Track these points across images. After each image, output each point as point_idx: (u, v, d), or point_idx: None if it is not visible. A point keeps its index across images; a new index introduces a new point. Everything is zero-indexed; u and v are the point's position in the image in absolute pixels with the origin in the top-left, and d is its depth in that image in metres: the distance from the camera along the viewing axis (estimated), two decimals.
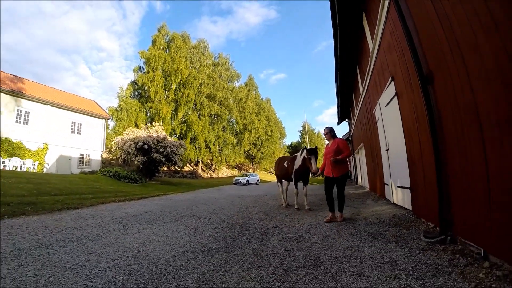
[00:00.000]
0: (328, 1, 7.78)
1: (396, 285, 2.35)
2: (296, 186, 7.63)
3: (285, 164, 8.14)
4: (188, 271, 2.93)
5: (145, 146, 20.34)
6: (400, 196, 6.24)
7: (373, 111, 8.59)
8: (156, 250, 3.69)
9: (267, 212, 7.05)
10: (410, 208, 5.48)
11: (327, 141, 5.92)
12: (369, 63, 8.21)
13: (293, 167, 7.42)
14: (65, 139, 24.81)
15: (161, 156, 21.02)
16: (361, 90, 11.04)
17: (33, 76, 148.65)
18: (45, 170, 22.07)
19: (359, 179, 17.72)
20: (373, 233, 4.20)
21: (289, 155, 66.76)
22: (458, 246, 3.20)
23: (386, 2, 5.41)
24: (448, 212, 3.57)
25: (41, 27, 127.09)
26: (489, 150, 2.63)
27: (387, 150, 7.10)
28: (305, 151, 6.75)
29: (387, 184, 7.47)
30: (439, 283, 2.31)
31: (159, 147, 21.06)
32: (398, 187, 6.24)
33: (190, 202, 9.56)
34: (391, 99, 6.03)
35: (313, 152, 6.42)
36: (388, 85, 6.18)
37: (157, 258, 3.35)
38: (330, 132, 5.76)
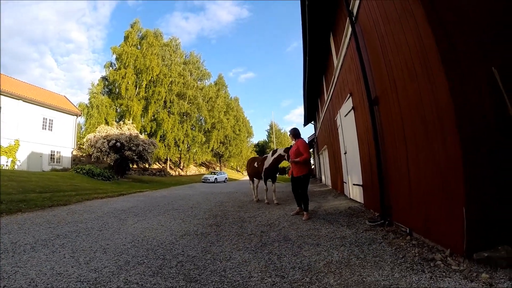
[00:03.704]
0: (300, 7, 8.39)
1: (342, 249, 3.42)
2: (265, 184, 8.57)
3: (256, 164, 9.09)
4: (191, 247, 3.78)
5: (118, 144, 20.41)
6: (355, 192, 7.41)
7: (335, 119, 9.78)
8: (158, 235, 4.45)
9: (241, 206, 7.96)
10: (362, 202, 6.63)
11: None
12: (333, 77, 9.36)
13: (264, 167, 8.38)
14: (36, 135, 24.01)
15: (134, 154, 21.17)
16: (325, 97, 12.23)
17: None
18: (16, 167, 21.37)
19: (323, 178, 19.04)
20: (330, 220, 5.29)
21: (256, 154, 67.96)
22: (392, 228, 4.32)
23: (349, 32, 6.47)
24: (387, 202, 4.70)
25: (11, 15, 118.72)
26: (410, 158, 3.77)
27: (345, 153, 8.30)
28: (278, 151, 7.71)
29: (345, 182, 8.67)
30: (372, 248, 3.39)
31: (132, 145, 21.20)
32: (354, 184, 7.40)
33: (168, 198, 10.25)
34: (349, 111, 7.17)
35: (288, 150, 7.26)
36: (347, 99, 7.31)
37: (163, 240, 4.13)
38: (292, 134, 6.18)
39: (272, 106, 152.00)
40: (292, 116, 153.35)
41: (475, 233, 2.62)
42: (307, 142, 6.16)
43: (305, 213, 5.69)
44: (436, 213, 3.19)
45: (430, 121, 3.21)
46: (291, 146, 6.67)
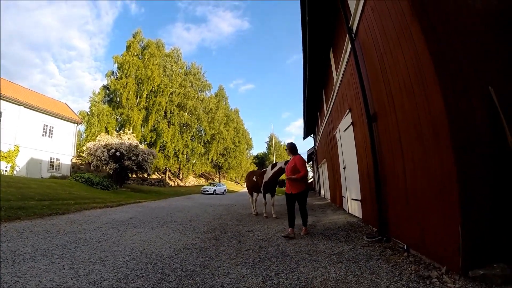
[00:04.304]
0: (300, 23, 8.52)
1: (339, 265, 3.44)
2: (264, 197, 8.57)
3: (255, 178, 9.14)
4: (189, 261, 3.80)
5: (117, 153, 20.39)
6: (353, 206, 7.42)
7: (334, 133, 9.86)
8: (157, 248, 4.46)
9: (239, 219, 7.96)
10: (361, 217, 6.65)
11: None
12: (333, 91, 9.48)
13: (263, 181, 8.40)
14: (36, 141, 24.14)
15: (133, 164, 21.13)
16: (325, 111, 12.35)
17: None
18: (15, 173, 21.40)
19: (322, 191, 19.03)
20: (329, 235, 5.31)
21: (255, 166, 67.81)
22: (390, 244, 4.35)
23: (348, 48, 6.59)
24: (385, 218, 4.72)
25: (13, 20, 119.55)
26: (407, 172, 3.83)
27: (344, 168, 8.35)
28: (278, 164, 7.74)
29: (344, 197, 8.69)
30: (369, 265, 3.41)
31: (131, 154, 21.18)
32: (352, 199, 7.43)
33: (167, 210, 10.24)
34: (348, 126, 7.26)
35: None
36: (347, 115, 7.40)
37: (162, 254, 4.14)
38: (289, 149, 5.91)
39: (272, 118, 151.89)
40: (292, 128, 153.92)
41: (470, 249, 2.65)
42: (304, 157, 6.03)
43: (303, 227, 5.67)
44: (433, 226, 3.24)
45: (426, 134, 3.29)
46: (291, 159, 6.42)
